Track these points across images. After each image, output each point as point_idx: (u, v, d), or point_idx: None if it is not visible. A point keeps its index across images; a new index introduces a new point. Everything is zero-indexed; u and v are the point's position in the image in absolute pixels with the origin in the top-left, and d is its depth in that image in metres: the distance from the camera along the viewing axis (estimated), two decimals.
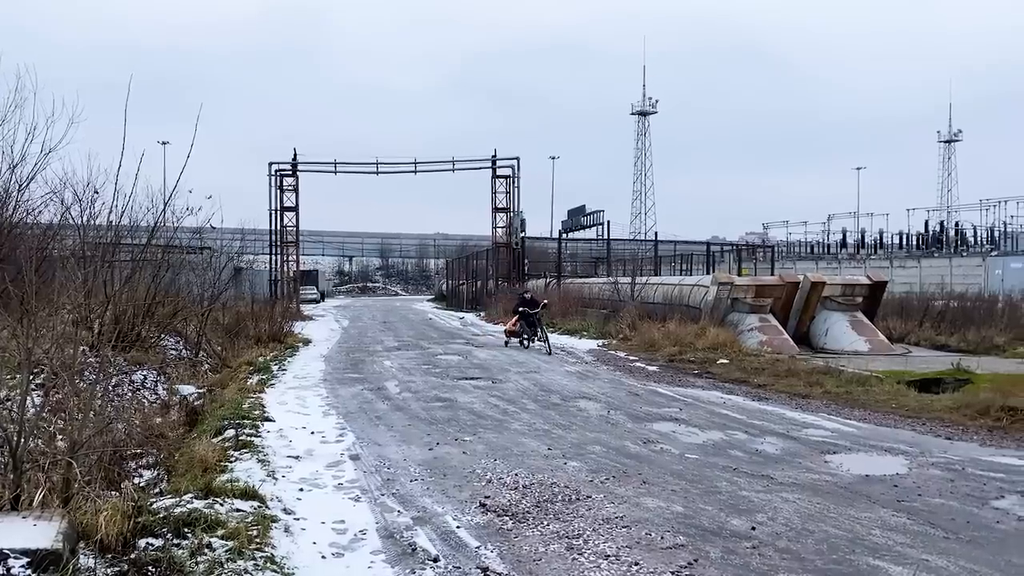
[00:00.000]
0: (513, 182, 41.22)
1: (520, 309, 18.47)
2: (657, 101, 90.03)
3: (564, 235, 48.24)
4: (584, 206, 55.57)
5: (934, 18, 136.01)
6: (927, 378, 12.39)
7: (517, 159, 41.46)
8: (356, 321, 31.36)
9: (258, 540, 4.87)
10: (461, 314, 35.75)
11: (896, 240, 64.61)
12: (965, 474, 6.73)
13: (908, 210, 73.58)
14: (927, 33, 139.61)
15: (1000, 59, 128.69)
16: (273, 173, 40.56)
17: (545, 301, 19.91)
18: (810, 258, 60.59)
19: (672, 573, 4.47)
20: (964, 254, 53.58)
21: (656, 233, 51.92)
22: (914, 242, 62.72)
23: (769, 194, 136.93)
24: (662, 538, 5.08)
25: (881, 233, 65.89)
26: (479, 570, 4.56)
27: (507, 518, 5.53)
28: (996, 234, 59.24)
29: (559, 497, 6.03)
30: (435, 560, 4.74)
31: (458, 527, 5.37)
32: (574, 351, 17.93)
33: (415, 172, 41.52)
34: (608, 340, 19.51)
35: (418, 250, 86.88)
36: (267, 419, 9.22)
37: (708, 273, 31.67)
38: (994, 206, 61.42)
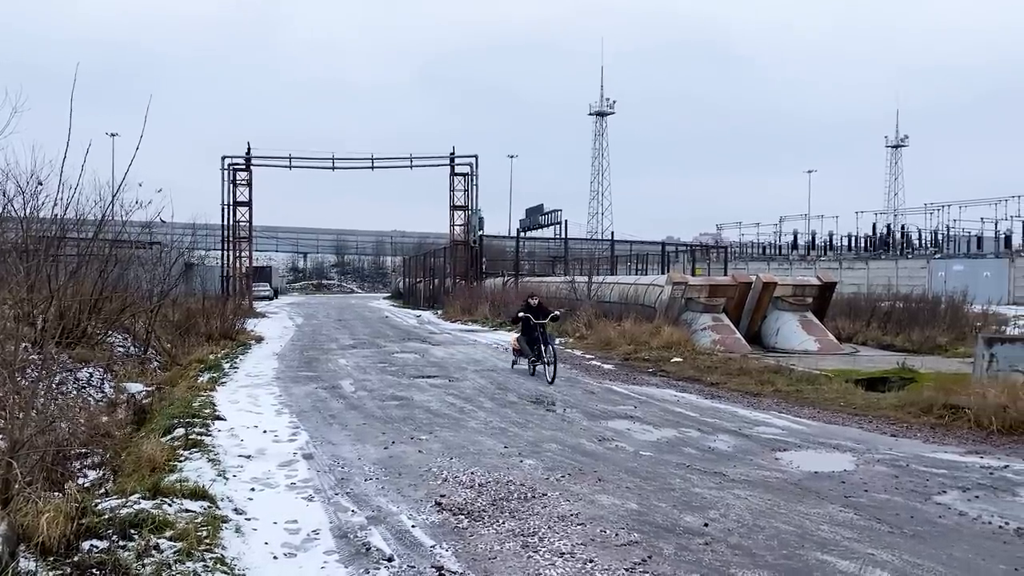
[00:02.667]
0: (471, 180, 41.17)
1: (521, 316, 13.34)
2: (615, 102, 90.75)
3: (522, 234, 48.36)
4: (542, 205, 55.79)
5: (885, 20, 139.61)
6: (874, 377, 12.71)
7: (475, 157, 41.42)
8: (310, 319, 30.96)
9: (208, 541, 4.77)
10: (418, 312, 35.57)
11: (845, 242, 66.22)
12: (909, 470, 6.92)
13: (857, 213, 75.39)
14: (879, 38, 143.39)
15: (947, 65, 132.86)
16: (226, 167, 39.81)
17: (556, 312, 14.05)
18: (762, 259, 61.77)
19: (626, 570, 4.50)
20: (909, 256, 55.15)
21: (612, 233, 52.42)
22: (862, 244, 64.39)
23: (723, 196, 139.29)
24: (617, 535, 5.11)
25: (831, 235, 67.46)
26: (434, 569, 4.53)
27: (463, 517, 5.51)
28: (940, 237, 61.09)
29: (515, 495, 6.03)
30: (389, 560, 4.70)
31: (413, 526, 5.34)
32: None
33: (372, 168, 41.16)
34: (565, 339, 19.59)
35: (375, 247, 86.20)
36: (218, 418, 9.04)
37: (663, 273, 32.01)
38: (938, 210, 63.30)
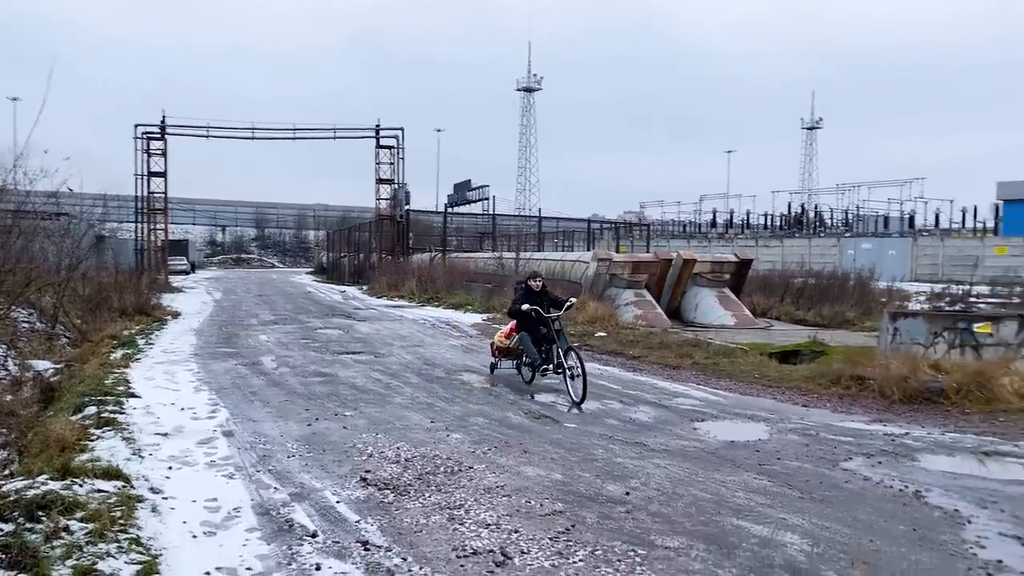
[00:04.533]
0: (397, 153, 40.62)
1: (522, 309, 9.58)
2: (542, 78, 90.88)
3: (450, 209, 48.07)
4: (470, 181, 55.48)
5: (807, 7, 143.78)
6: (786, 350, 13.23)
7: (401, 129, 40.85)
8: (230, 294, 30.10)
9: (122, 521, 4.61)
10: (343, 288, 35.02)
11: (762, 221, 68.40)
12: (819, 439, 7.26)
13: (773, 192, 78.04)
14: (802, 22, 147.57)
15: (860, 50, 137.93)
16: (139, 135, 38.11)
17: (572, 300, 10.18)
18: (683, 237, 63.22)
19: (550, 539, 4.58)
20: (822, 235, 57.37)
21: (540, 209, 52.76)
22: (778, 223, 66.60)
23: (647, 174, 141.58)
24: (541, 505, 5.20)
25: (748, 214, 69.59)
26: (359, 544, 4.51)
27: (388, 491, 5.49)
28: (850, 217, 63.75)
29: (441, 469, 6.05)
30: (313, 536, 4.65)
31: (338, 502, 5.29)
32: (459, 325, 17.96)
33: (294, 139, 40.17)
34: (493, 314, 19.64)
35: (297, 221, 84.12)
36: (132, 395, 8.73)
37: (588, 249, 32.44)
38: (849, 190, 66.00)
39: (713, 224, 69.38)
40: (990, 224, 53.09)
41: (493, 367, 10.75)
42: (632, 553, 4.39)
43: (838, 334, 15.18)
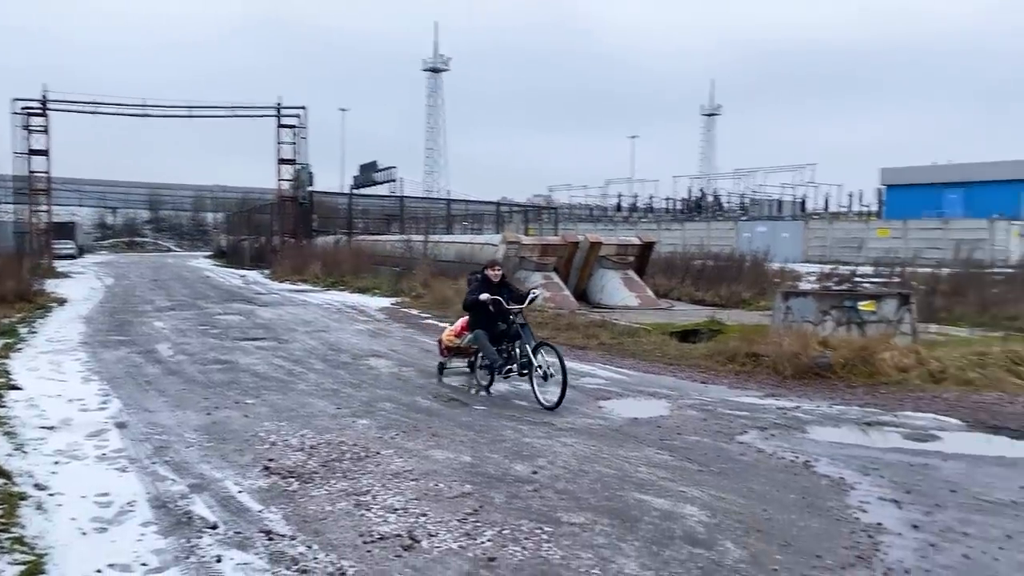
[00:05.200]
0: (300, 133, 39.43)
1: (479, 300, 8.28)
2: (450, 59, 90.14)
3: (355, 191, 47.19)
4: (376, 162, 54.65)
5: None
6: (687, 329, 13.67)
7: (304, 108, 39.61)
8: (122, 279, 28.64)
9: (3, 520, 4.34)
10: (243, 272, 33.88)
11: (664, 205, 70.29)
12: (716, 414, 7.56)
13: (674, 178, 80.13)
14: (705, 11, 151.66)
15: (758, 39, 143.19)
16: (19, 111, 35.52)
17: (535, 293, 8.91)
18: (590, 220, 64.30)
19: (459, 521, 4.60)
20: (720, 218, 59.44)
21: (449, 192, 52.46)
22: (679, 207, 68.61)
23: (555, 158, 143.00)
24: (450, 488, 5.21)
25: (651, 198, 71.38)
26: (262, 534, 4.40)
27: (293, 479, 5.38)
28: (746, 201, 66.31)
29: (347, 455, 5.96)
30: (214, 527, 4.51)
31: (239, 492, 5.14)
32: (366, 309, 17.70)
33: (190, 116, 38.30)
34: (401, 298, 19.48)
35: (194, 203, 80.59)
36: (14, 387, 8.21)
37: (498, 232, 32.54)
38: (745, 176, 68.61)
39: (618, 208, 70.87)
40: (874, 208, 56.39)
41: (441, 368, 9.21)
42: (539, 531, 4.46)
43: (735, 313, 15.79)
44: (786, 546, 4.31)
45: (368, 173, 54.42)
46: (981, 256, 24.75)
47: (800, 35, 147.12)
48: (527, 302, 8.36)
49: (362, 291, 21.92)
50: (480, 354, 8.48)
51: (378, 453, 6.01)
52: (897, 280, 17.59)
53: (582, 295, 19.46)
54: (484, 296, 8.20)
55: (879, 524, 4.68)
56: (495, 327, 8.29)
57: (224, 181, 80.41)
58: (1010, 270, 22.14)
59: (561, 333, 12.98)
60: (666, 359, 10.78)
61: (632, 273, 19.99)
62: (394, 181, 54.46)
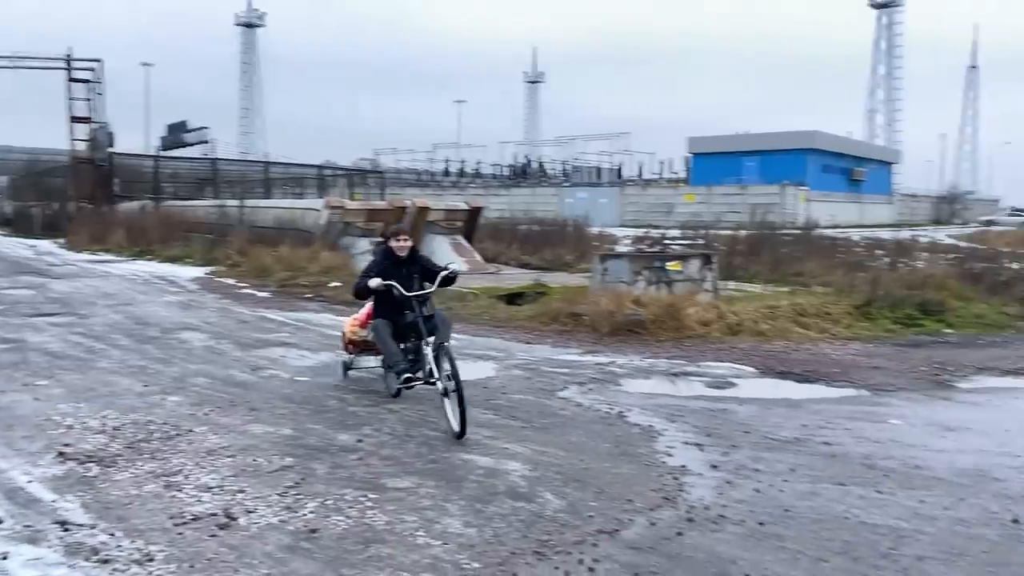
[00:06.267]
0: (95, 88, 35.84)
1: (370, 285, 6.27)
2: (265, 14, 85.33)
3: (163, 153, 43.76)
4: (186, 122, 50.99)
5: None
6: (513, 292, 14.00)
7: (99, 61, 36.09)
8: None
9: None
10: (33, 242, 30.48)
11: (492, 171, 71.14)
12: (540, 372, 7.83)
13: (501, 144, 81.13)
14: None
15: (581, 13, 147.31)
16: None
17: (452, 267, 6.72)
18: (417, 185, 63.88)
19: (279, 495, 4.45)
20: (544, 185, 61.10)
21: (267, 155, 49.91)
22: (506, 173, 69.73)
23: (380, 121, 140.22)
24: (269, 462, 5.02)
25: (479, 164, 71.97)
26: (56, 525, 4.03)
27: (92, 465, 4.95)
28: (568, 168, 68.56)
29: (156, 435, 5.58)
30: None
31: (29, 482, 4.66)
32: (177, 279, 16.57)
33: None
34: (216, 267, 18.40)
35: None
36: None
37: (321, 197, 31.49)
38: (567, 143, 70.82)
39: (446, 173, 70.89)
40: (683, 175, 60.28)
41: (346, 368, 7.32)
42: (363, 498, 4.41)
43: (559, 276, 16.37)
44: (600, 493, 4.56)
45: (177, 134, 50.59)
46: (773, 219, 27.22)
47: (622, 11, 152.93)
48: (436, 283, 6.31)
49: (172, 260, 20.48)
50: (390, 351, 6.33)
51: (191, 431, 5.67)
52: (701, 242, 18.99)
53: None
54: (374, 282, 6.16)
55: (683, 466, 5.07)
56: (400, 317, 6.21)
57: (8, 141, 71.50)
58: (797, 231, 24.54)
59: None
60: (494, 322, 10.99)
61: (461, 238, 20.11)
62: (207, 143, 51.02)
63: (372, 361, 7.07)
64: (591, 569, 3.66)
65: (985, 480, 4.90)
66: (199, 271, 18.09)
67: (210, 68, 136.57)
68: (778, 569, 3.65)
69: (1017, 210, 66.13)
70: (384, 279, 6.18)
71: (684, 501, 4.48)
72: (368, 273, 6.38)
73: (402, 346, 6.26)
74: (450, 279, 6.46)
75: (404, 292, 6.15)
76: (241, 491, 4.51)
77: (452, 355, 5.76)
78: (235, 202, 24.93)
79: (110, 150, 35.66)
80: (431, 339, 5.97)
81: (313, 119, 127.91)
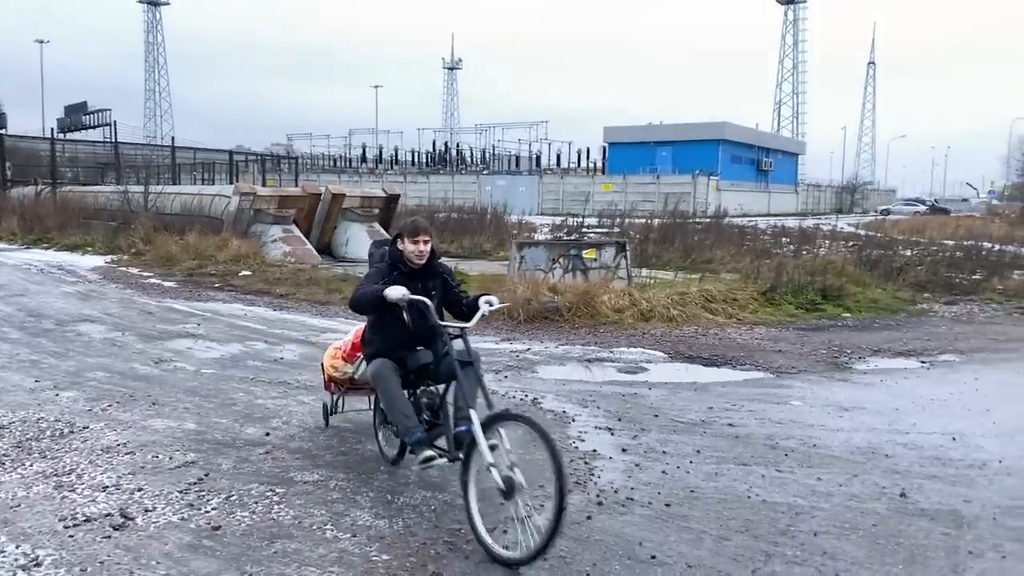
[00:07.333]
0: None
1: (384, 296, 4.10)
2: None
3: (61, 135, 41.43)
4: (86, 103, 48.54)
5: None
6: None
7: None
8: None
9: None
10: None
11: (410, 158, 70.39)
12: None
13: (419, 130, 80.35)
14: None
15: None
16: None
17: (490, 302, 4.31)
18: (333, 171, 62.63)
19: (180, 492, 4.29)
20: (463, 172, 60.87)
21: (173, 139, 47.85)
22: (424, 160, 69.14)
23: (296, 107, 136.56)
24: (171, 458, 4.83)
25: (397, 150, 71.07)
26: None
27: None
28: (487, 155, 68.48)
29: (48, 433, 5.28)
30: None
31: None
32: (76, 269, 15.73)
33: None
34: (119, 256, 17.57)
35: None
36: None
37: (232, 183, 30.47)
38: (486, 130, 70.67)
39: (363, 159, 69.73)
40: (600, 164, 61.12)
41: (328, 412, 5.51)
42: (270, 493, 4.30)
43: (478, 264, 16.36)
44: None
45: (76, 116, 48.09)
46: (686, 207, 27.96)
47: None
48: (477, 316, 4.26)
49: (71, 249, 19.43)
50: (383, 408, 4.49)
51: (86, 428, 5.40)
52: (617, 230, 19.31)
53: (326, 248, 18.96)
54: (396, 291, 4.11)
55: (594, 450, 5.14)
56: (410, 353, 4.33)
57: None
58: (708, 220, 25.27)
59: (302, 289, 12.57)
60: None
61: (378, 226, 19.83)
62: (109, 125, 48.60)
63: (363, 403, 5.46)
64: None
65: (877, 457, 5.16)
66: (100, 260, 17.23)
67: (114, 47, 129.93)
68: (683, 549, 3.75)
69: (911, 200, 70.15)
70: (412, 298, 4.17)
71: (594, 485, 4.54)
72: (375, 277, 4.40)
73: (413, 398, 4.37)
74: (488, 312, 4.31)
75: (437, 320, 4.22)
76: (139, 489, 4.32)
77: (545, 431, 3.56)
78: (139, 188, 23.84)
79: (1, 131, 33.49)
80: (478, 401, 3.99)
81: (224, 103, 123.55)
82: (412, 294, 4.16)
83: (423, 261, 4.40)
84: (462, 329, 4.17)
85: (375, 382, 4.32)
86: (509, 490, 3.57)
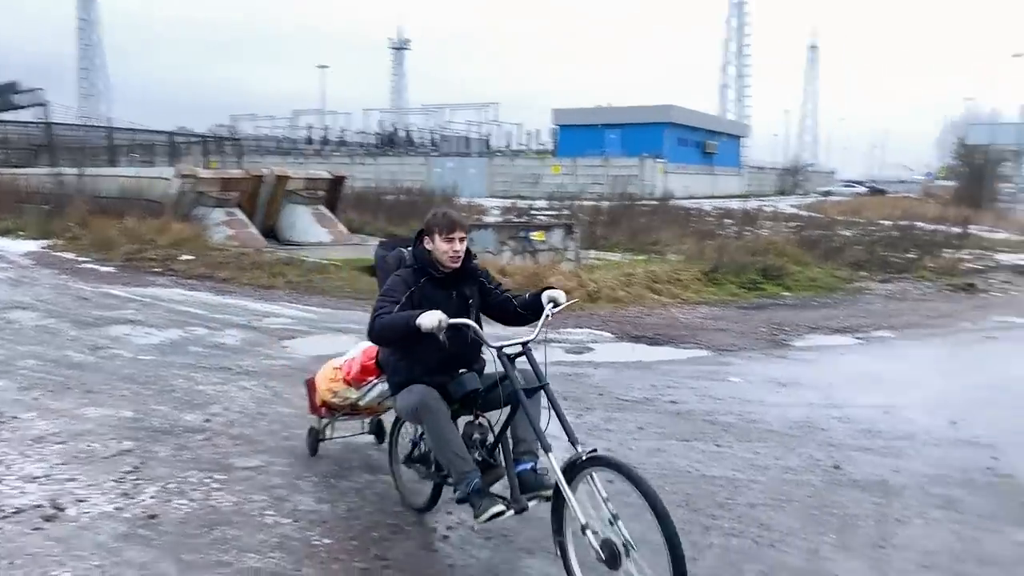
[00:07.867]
0: None
1: (421, 324, 3.15)
2: None
3: None
4: (16, 82, 46.41)
5: None
6: (373, 264, 13.80)
7: None
8: None
9: None
10: None
11: (357, 139, 69.41)
12: None
13: (366, 111, 79.21)
14: None
15: None
16: None
17: (556, 297, 3.60)
18: (278, 153, 61.34)
19: (115, 481, 4.18)
20: (412, 154, 60.32)
21: (111, 120, 46.29)
22: (372, 141, 68.26)
23: (237, 86, 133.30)
24: (106, 447, 4.70)
25: (343, 131, 70.01)
26: None
27: None
28: (436, 137, 67.94)
29: None
30: None
31: None
32: (6, 254, 15.13)
33: None
34: (53, 240, 16.93)
35: None
36: None
37: (172, 165, 29.64)
38: (434, 112, 70.10)
39: (309, 141, 68.49)
40: (550, 147, 61.22)
41: (315, 439, 4.66)
42: (209, 480, 4.23)
43: None
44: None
45: (6, 96, 46.00)
46: (633, 190, 28.25)
47: None
48: (541, 323, 3.60)
49: (2, 234, 18.65)
50: (429, 448, 3.65)
51: (15, 418, 5.22)
52: (566, 212, 19.41)
53: (271, 232, 18.61)
54: (431, 318, 3.20)
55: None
56: (450, 378, 3.50)
57: None
58: (655, 202, 25.58)
59: (245, 273, 12.33)
60: (356, 294, 10.75)
61: (324, 208, 19.54)
62: (42, 105, 46.69)
63: (355, 428, 4.77)
64: (445, 536, 3.69)
65: (812, 430, 5.32)
66: (33, 245, 16.58)
67: (46, 24, 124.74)
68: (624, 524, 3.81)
69: (850, 182, 72.05)
70: (422, 293, 3.48)
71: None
72: (396, 293, 3.46)
73: (467, 440, 3.49)
74: (554, 311, 3.61)
75: (488, 341, 3.47)
76: (72, 479, 4.20)
77: (645, 481, 3.01)
78: (74, 170, 23.01)
79: None
80: (530, 431, 3.40)
81: (164, 83, 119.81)
82: (448, 311, 3.24)
83: (458, 264, 3.51)
84: (524, 345, 3.39)
85: (421, 416, 3.39)
86: (612, 558, 2.89)
